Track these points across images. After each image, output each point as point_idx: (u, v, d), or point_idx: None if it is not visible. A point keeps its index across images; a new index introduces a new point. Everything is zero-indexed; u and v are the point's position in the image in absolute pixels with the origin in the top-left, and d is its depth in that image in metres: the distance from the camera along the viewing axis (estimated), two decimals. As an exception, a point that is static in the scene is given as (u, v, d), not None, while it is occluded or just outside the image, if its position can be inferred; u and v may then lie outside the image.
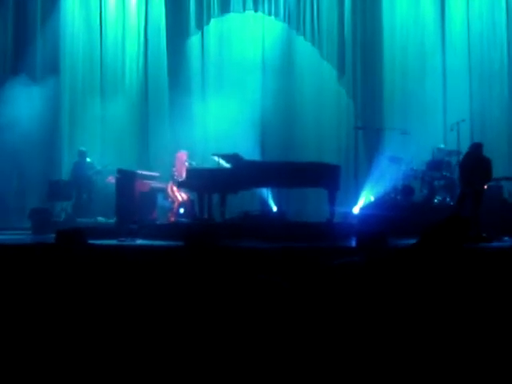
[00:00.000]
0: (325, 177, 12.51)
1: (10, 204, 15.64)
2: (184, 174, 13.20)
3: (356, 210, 13.32)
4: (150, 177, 14.18)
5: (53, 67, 16.18)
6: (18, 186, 15.75)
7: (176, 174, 13.61)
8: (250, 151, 13.96)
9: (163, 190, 13.97)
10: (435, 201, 13.39)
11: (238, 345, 4.00)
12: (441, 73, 15.59)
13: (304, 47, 16.05)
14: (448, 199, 13.32)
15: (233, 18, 16.36)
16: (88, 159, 15.14)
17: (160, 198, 14.18)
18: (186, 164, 13.56)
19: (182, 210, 13.78)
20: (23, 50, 16.12)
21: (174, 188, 13.58)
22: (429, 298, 4.04)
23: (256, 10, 16.24)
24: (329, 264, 4.73)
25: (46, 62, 16.18)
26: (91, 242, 6.86)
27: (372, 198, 13.63)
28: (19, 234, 13.24)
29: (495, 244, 10.41)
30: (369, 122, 15.48)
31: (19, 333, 4.32)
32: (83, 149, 15.18)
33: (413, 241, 4.98)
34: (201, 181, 12.59)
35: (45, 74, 15.95)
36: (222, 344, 4.01)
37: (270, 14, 16.19)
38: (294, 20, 16.10)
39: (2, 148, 15.10)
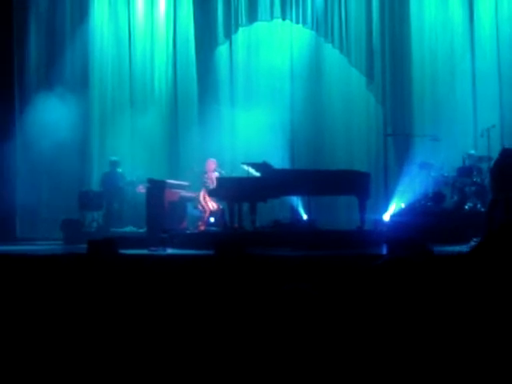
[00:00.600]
0: (355, 184, 12.50)
1: (42, 214, 15.76)
2: (214, 182, 13.26)
3: (387, 217, 13.26)
4: (179, 186, 14.23)
5: (83, 79, 16.32)
6: (50, 196, 15.86)
7: (208, 181, 13.67)
8: (279, 159, 14.00)
9: (193, 199, 14.01)
10: (466, 207, 13.30)
11: (268, 353, 4.00)
12: (470, 78, 15.48)
13: (332, 54, 16.01)
14: (479, 205, 13.21)
15: (261, 26, 16.35)
16: (119, 169, 15.24)
17: (190, 207, 14.23)
18: (216, 173, 13.62)
19: (212, 219, 13.81)
20: (53, 63, 16.25)
21: (207, 196, 13.60)
22: (480, 305, 4.00)
23: (284, 19, 16.23)
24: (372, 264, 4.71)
25: (76, 74, 16.31)
26: (122, 251, 6.89)
27: (402, 205, 13.57)
28: (51, 245, 13.36)
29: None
30: (398, 128, 15.41)
31: (52, 341, 4.34)
32: (114, 158, 15.27)
33: (446, 247, 4.96)
34: (230, 190, 12.62)
35: (75, 86, 16.08)
36: (251, 352, 4.00)
37: (297, 22, 16.16)
38: (322, 27, 16.05)
39: (34, 159, 15.21)
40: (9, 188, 14.99)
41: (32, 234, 15.26)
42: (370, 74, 15.89)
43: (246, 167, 12.91)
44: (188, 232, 13.57)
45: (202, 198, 13.74)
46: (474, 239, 10.84)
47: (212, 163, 13.88)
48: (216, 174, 13.56)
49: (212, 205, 13.68)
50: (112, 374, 4.13)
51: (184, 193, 14.16)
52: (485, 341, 3.86)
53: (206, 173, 13.79)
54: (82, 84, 16.27)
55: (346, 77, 15.96)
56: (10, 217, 15.53)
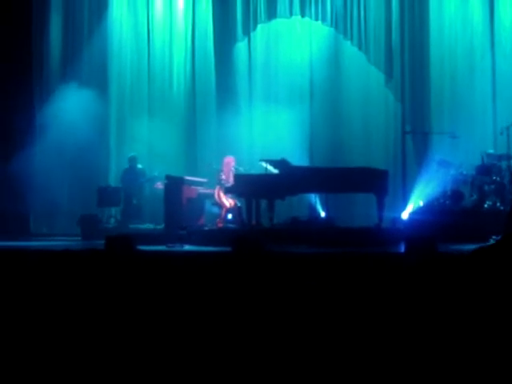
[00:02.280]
0: (373, 182, 12.47)
1: (60, 210, 15.78)
2: (231, 180, 13.25)
3: (405, 215, 13.22)
4: (197, 183, 14.25)
5: (101, 75, 16.35)
6: (68, 192, 15.87)
7: (223, 179, 13.66)
8: (297, 156, 13.96)
9: (211, 196, 14.01)
10: (485, 206, 13.23)
11: (284, 348, 3.99)
12: (490, 76, 15.38)
13: (351, 52, 15.95)
14: (498, 204, 13.15)
15: (280, 23, 16.31)
16: (139, 165, 15.27)
17: (208, 204, 14.24)
18: (233, 170, 13.62)
19: (229, 216, 13.82)
20: (72, 58, 16.30)
21: (221, 193, 13.62)
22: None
23: (303, 15, 16.18)
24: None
25: (94, 69, 16.32)
26: (140, 247, 6.89)
27: (421, 203, 13.51)
28: (69, 240, 13.38)
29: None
30: (417, 125, 15.34)
31: (69, 336, 4.35)
32: (133, 154, 15.31)
33: (464, 246, 4.93)
34: (248, 186, 12.63)
35: (93, 81, 16.11)
36: (268, 348, 4.00)
37: (316, 19, 16.11)
38: (341, 24, 16.00)
39: (52, 154, 15.21)
40: (25, 184, 14.98)
41: (49, 230, 15.31)
42: (388, 72, 15.83)
43: (264, 164, 12.90)
44: (206, 229, 13.58)
45: (216, 196, 13.76)
46: (494, 237, 10.80)
47: (230, 160, 13.86)
48: (233, 171, 13.56)
49: (229, 202, 13.69)
50: (127, 368, 4.13)
51: (202, 189, 14.18)
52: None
53: (221, 170, 13.78)
54: (100, 79, 16.29)
55: (364, 74, 15.90)
56: (23, 212, 15.56)
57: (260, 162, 13.05)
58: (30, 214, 15.78)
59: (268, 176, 12.81)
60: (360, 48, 15.94)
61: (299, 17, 16.21)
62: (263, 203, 12.96)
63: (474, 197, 13.48)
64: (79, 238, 13.91)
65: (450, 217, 12.26)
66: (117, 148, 16.34)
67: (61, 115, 15.07)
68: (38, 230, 15.50)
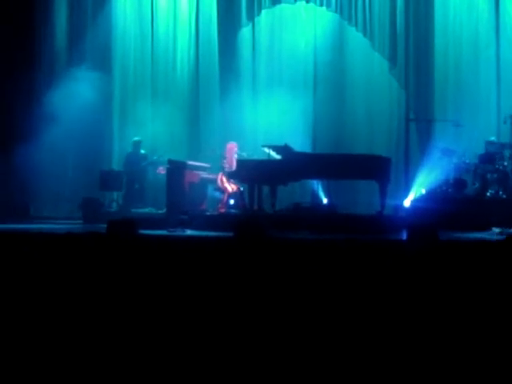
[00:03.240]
0: (376, 169, 12.46)
1: (63, 193, 15.78)
2: (234, 165, 13.24)
3: (407, 202, 13.22)
4: (200, 167, 14.24)
5: (104, 59, 16.28)
6: (71, 175, 15.86)
7: (226, 165, 13.65)
8: (300, 143, 13.94)
9: (213, 181, 14.01)
10: (488, 194, 13.24)
11: (284, 334, 3.99)
12: (495, 64, 15.33)
13: (355, 38, 15.88)
14: (501, 192, 13.16)
15: (284, 8, 16.23)
16: (142, 150, 15.26)
17: (210, 189, 14.23)
18: (236, 155, 13.61)
19: (231, 201, 13.82)
20: (76, 42, 16.26)
21: (224, 179, 13.61)
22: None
23: (307, 1, 16.08)
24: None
25: (98, 53, 16.27)
26: (142, 232, 6.90)
27: (423, 191, 13.52)
28: (71, 224, 13.37)
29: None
30: (421, 113, 15.32)
31: (70, 320, 4.35)
32: (137, 139, 15.26)
33: (466, 234, 4.92)
34: (251, 172, 12.62)
35: (96, 65, 16.04)
36: (269, 333, 4.00)
37: (321, 5, 16.01)
38: (346, 10, 15.91)
39: (55, 138, 15.19)
40: (28, 168, 14.95)
41: (51, 213, 15.30)
42: (393, 59, 15.77)
43: (266, 150, 12.90)
44: (208, 213, 13.58)
45: (219, 181, 13.75)
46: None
47: (233, 146, 13.85)
48: (236, 157, 13.55)
49: (232, 187, 13.69)
50: (127, 350, 4.13)
51: (205, 175, 14.17)
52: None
53: (225, 157, 13.77)
54: (103, 63, 16.22)
55: (368, 61, 15.84)
56: (25, 195, 15.57)
57: (262, 148, 13.05)
58: (32, 197, 15.77)
59: (270, 162, 12.81)
60: (364, 34, 15.87)
61: (304, 2, 16.12)
62: (265, 189, 12.96)
63: (477, 185, 13.49)
64: (81, 222, 13.91)
65: (452, 205, 12.27)
66: (120, 132, 16.30)
67: (64, 99, 15.03)
68: (39, 214, 15.49)
